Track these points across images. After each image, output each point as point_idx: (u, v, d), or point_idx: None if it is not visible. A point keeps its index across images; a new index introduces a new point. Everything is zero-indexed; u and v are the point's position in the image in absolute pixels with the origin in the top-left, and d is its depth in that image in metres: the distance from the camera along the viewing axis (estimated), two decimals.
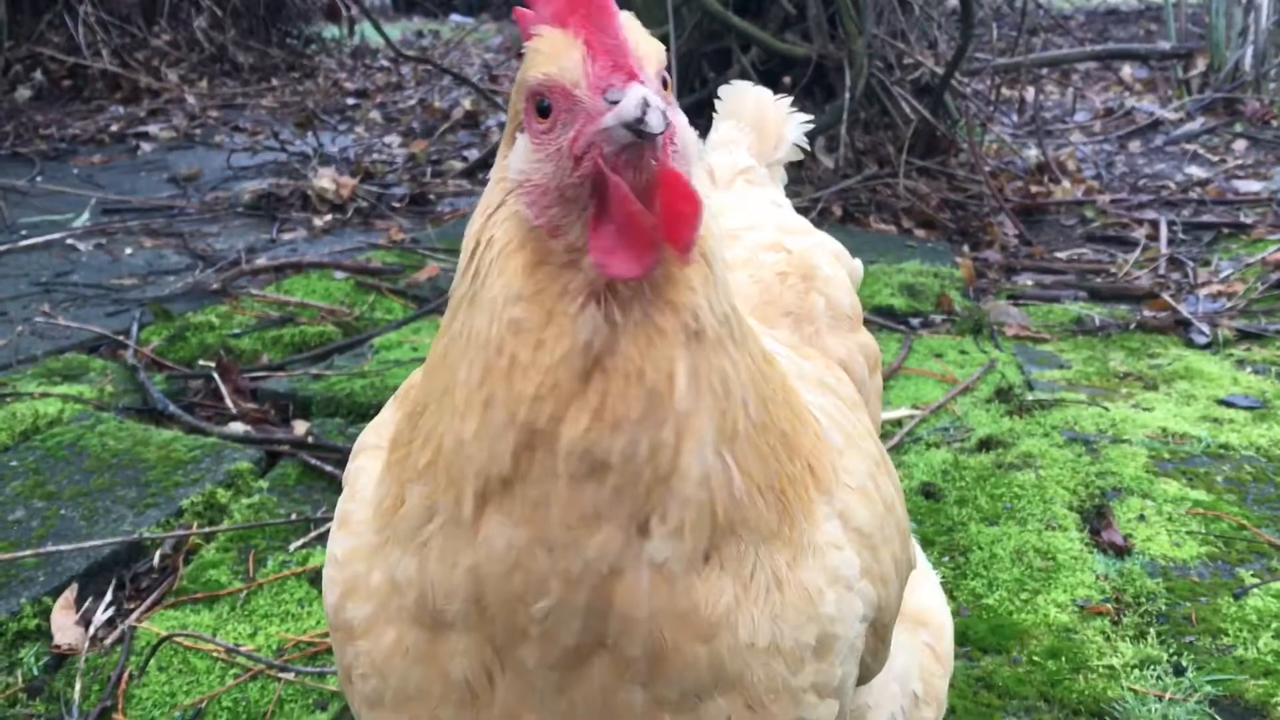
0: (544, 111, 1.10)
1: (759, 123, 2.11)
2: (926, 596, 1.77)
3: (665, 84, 1.11)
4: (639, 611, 1.14)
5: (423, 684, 1.23)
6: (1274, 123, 8.05)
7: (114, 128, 8.65)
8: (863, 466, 1.44)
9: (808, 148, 2.17)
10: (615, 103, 1.04)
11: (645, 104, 1.01)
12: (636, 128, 1.02)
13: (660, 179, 1.07)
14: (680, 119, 1.12)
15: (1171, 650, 2.42)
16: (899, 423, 3.57)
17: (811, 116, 2.22)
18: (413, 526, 1.19)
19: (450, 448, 1.14)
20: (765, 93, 2.15)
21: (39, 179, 6.95)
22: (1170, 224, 5.86)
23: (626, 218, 1.07)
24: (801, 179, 6.27)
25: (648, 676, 1.16)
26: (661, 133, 1.02)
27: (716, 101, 2.16)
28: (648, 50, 1.09)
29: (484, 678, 1.20)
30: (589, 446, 1.09)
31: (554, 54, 1.08)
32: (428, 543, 1.17)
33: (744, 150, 2.05)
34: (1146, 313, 4.64)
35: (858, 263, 2.02)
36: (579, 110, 1.07)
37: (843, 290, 1.83)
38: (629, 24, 1.09)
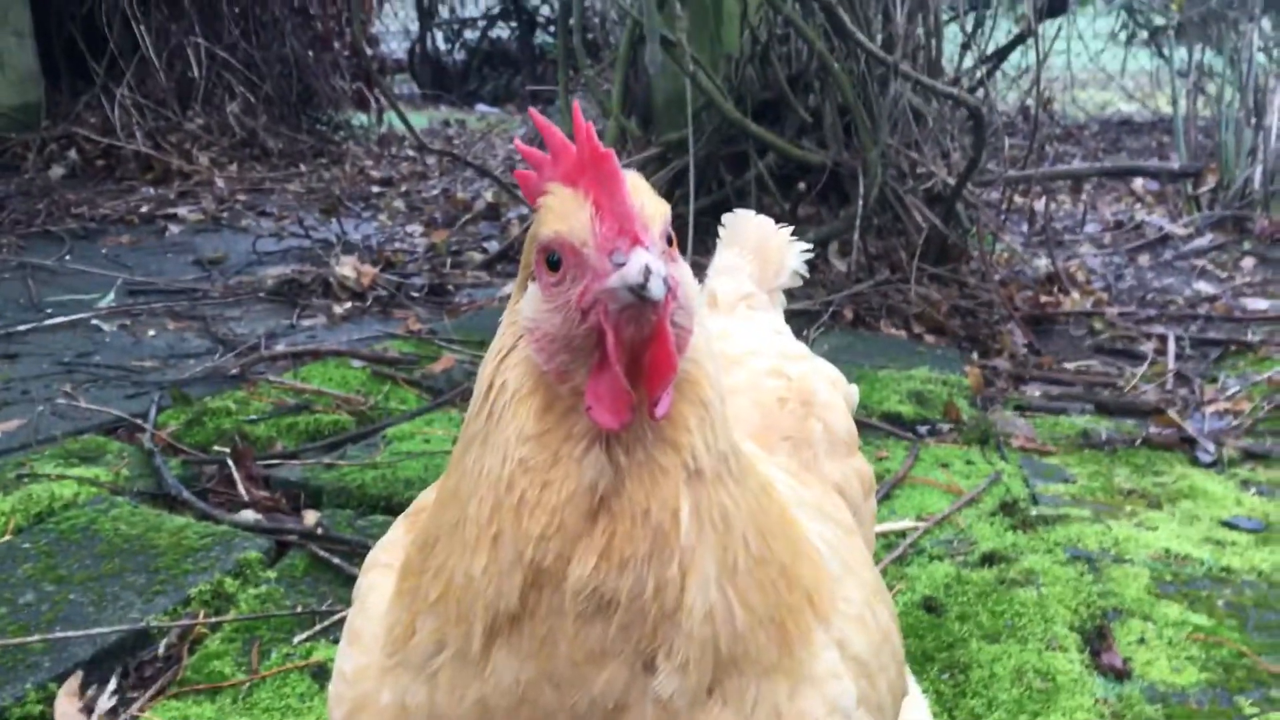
0: (554, 265, 1.18)
1: (761, 250, 2.19)
2: (915, 718, 1.80)
3: (671, 240, 1.19)
4: None
5: None
6: None
7: (144, 209, 8.84)
8: (860, 595, 1.48)
9: (807, 274, 2.25)
10: (621, 265, 1.11)
11: (648, 270, 1.09)
12: (639, 292, 1.09)
13: (656, 332, 1.15)
14: (684, 273, 1.20)
15: None
16: (903, 534, 3.59)
17: (809, 245, 2.30)
18: (423, 657, 1.23)
19: (460, 583, 1.19)
20: (767, 221, 2.24)
21: (68, 258, 7.11)
22: (1178, 339, 5.92)
23: (613, 375, 1.15)
24: (815, 282, 6.38)
25: None
26: (661, 299, 1.10)
27: (721, 229, 2.24)
28: (653, 211, 1.17)
29: None
30: (597, 585, 1.14)
31: (564, 213, 1.17)
32: (437, 673, 1.22)
33: (746, 277, 2.14)
34: (1153, 429, 4.67)
35: (854, 388, 2.09)
36: (586, 268, 1.15)
37: (839, 415, 1.89)
38: (636, 186, 1.18)
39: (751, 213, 2.24)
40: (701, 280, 2.03)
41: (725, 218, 2.23)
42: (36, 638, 2.77)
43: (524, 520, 1.15)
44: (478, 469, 1.20)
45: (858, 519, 1.74)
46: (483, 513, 1.18)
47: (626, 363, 1.15)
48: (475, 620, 1.17)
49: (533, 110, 1.30)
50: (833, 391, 1.92)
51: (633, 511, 1.15)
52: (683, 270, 1.20)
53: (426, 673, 1.23)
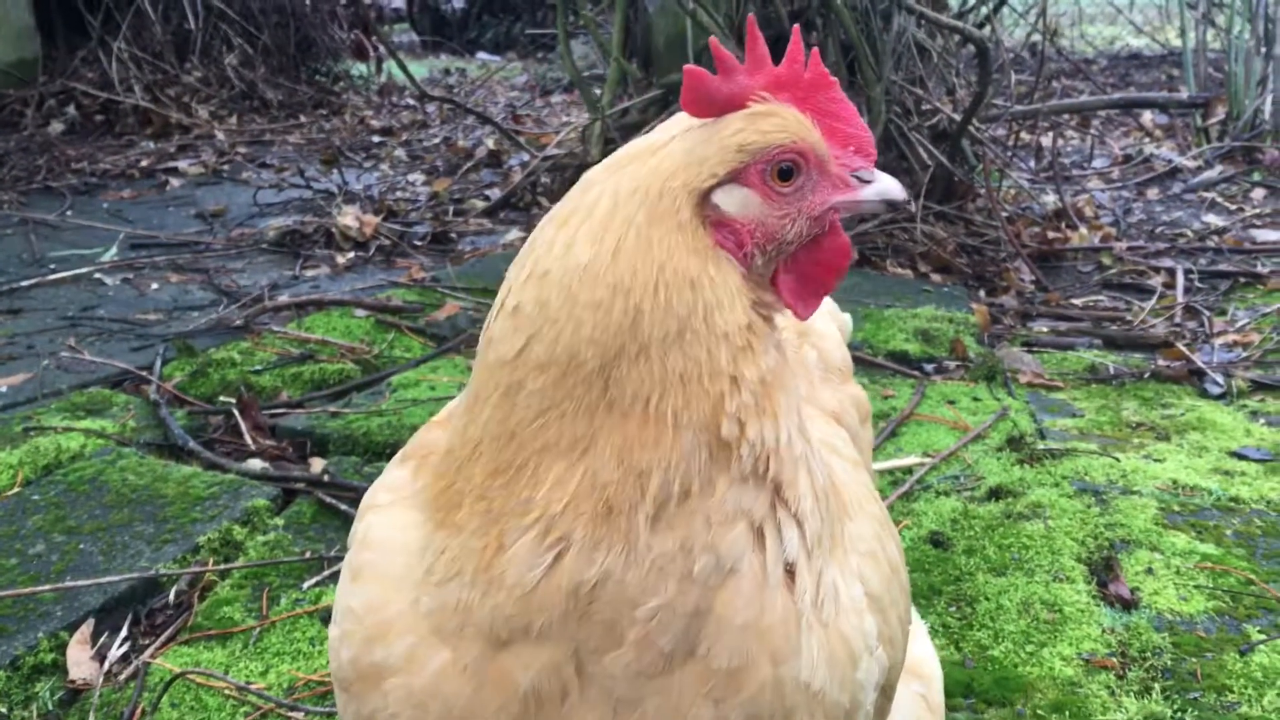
0: (786, 174, 1.28)
1: None
2: (917, 647, 1.80)
3: None
4: (736, 619, 1.22)
5: (472, 703, 1.25)
6: None
7: (144, 163, 8.81)
8: (870, 530, 1.48)
9: None
10: (866, 181, 1.31)
11: (901, 189, 1.31)
12: (901, 206, 1.33)
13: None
14: None
15: (1176, 706, 2.42)
16: (909, 470, 3.59)
17: None
18: (522, 569, 1.23)
19: (615, 479, 1.22)
20: None
21: (69, 213, 7.08)
22: (1187, 272, 5.87)
23: (833, 269, 1.36)
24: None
25: (723, 693, 1.21)
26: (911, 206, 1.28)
27: None
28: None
29: (557, 690, 1.23)
30: (759, 453, 1.24)
31: (799, 126, 1.28)
32: (539, 584, 1.23)
33: None
34: (1161, 362, 4.65)
35: (847, 317, 2.10)
36: (829, 180, 1.31)
37: (834, 344, 1.89)
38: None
39: None
40: None
41: None
42: (47, 587, 2.79)
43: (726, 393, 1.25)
44: (684, 365, 1.24)
45: (856, 446, 1.73)
46: (673, 404, 1.24)
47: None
48: (639, 507, 1.21)
49: (751, 18, 1.35)
50: (826, 320, 1.91)
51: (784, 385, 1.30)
52: None
53: (532, 574, 1.23)
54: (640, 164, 1.27)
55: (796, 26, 1.36)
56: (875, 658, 1.35)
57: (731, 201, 1.27)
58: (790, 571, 1.26)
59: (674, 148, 1.27)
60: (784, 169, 1.27)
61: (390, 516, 1.44)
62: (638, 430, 1.21)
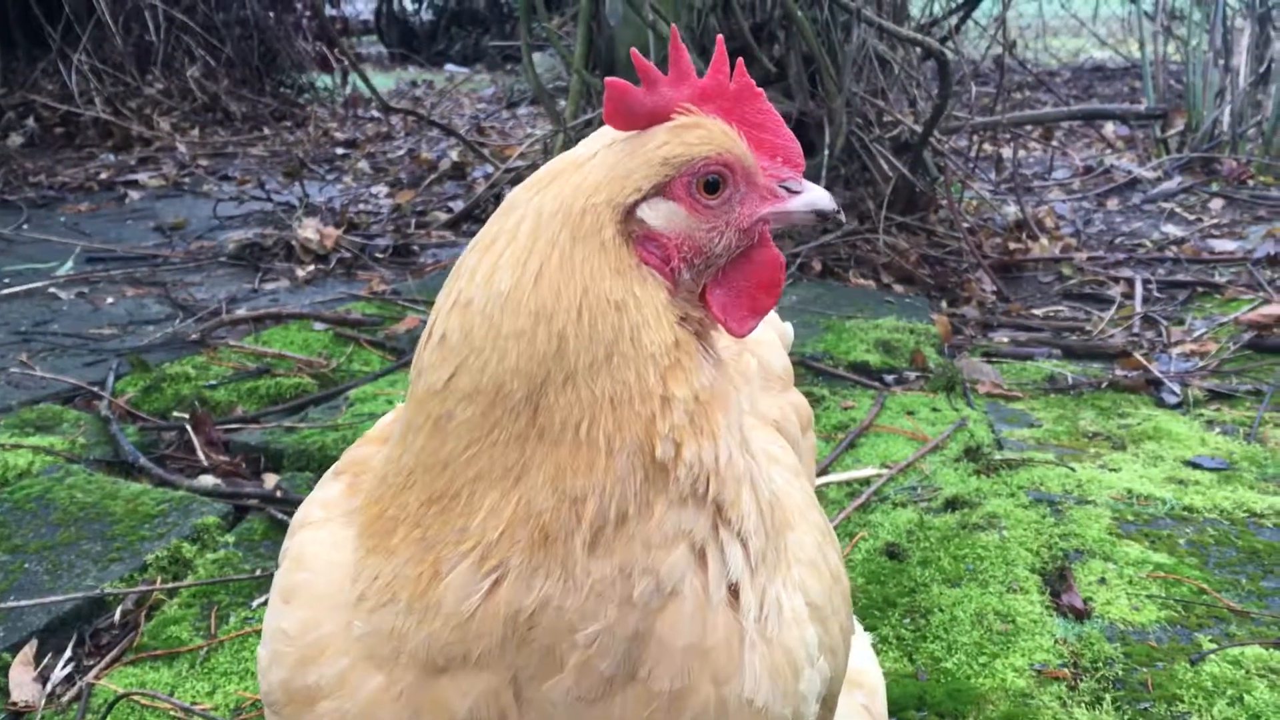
0: (712, 187, 1.27)
1: None
2: (859, 657, 1.79)
3: None
4: (678, 641, 1.19)
5: None
6: (1250, 182, 8.14)
7: (103, 175, 8.72)
8: (811, 539, 1.47)
9: None
10: (795, 192, 1.30)
11: (831, 199, 1.30)
12: (834, 216, 1.31)
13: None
14: None
15: (1127, 717, 2.42)
16: (867, 481, 3.59)
17: None
18: (459, 596, 1.20)
19: (550, 506, 1.19)
20: None
21: (25, 227, 6.99)
22: (1146, 282, 5.92)
23: (766, 283, 1.33)
24: (781, 234, 6.33)
25: (665, 715, 1.20)
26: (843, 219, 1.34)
27: None
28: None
29: (495, 717, 1.21)
30: (697, 474, 1.21)
31: (725, 137, 1.27)
32: (474, 613, 1.21)
33: None
34: (1119, 371, 4.68)
35: (788, 326, 2.10)
36: (755, 192, 1.29)
37: (774, 351, 1.89)
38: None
39: None
40: None
41: None
42: None
43: (657, 418, 1.22)
44: (605, 393, 1.20)
45: (797, 454, 1.72)
46: (608, 428, 1.22)
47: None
48: (575, 535, 1.18)
49: (674, 28, 1.34)
50: (766, 328, 1.90)
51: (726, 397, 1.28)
52: None
53: (468, 603, 1.20)
54: (563, 181, 1.25)
55: (720, 37, 1.34)
56: (817, 668, 1.34)
57: (657, 215, 1.25)
58: (734, 590, 1.24)
59: (597, 162, 1.25)
60: (710, 181, 1.26)
61: (324, 534, 1.42)
62: (570, 457, 1.19)
